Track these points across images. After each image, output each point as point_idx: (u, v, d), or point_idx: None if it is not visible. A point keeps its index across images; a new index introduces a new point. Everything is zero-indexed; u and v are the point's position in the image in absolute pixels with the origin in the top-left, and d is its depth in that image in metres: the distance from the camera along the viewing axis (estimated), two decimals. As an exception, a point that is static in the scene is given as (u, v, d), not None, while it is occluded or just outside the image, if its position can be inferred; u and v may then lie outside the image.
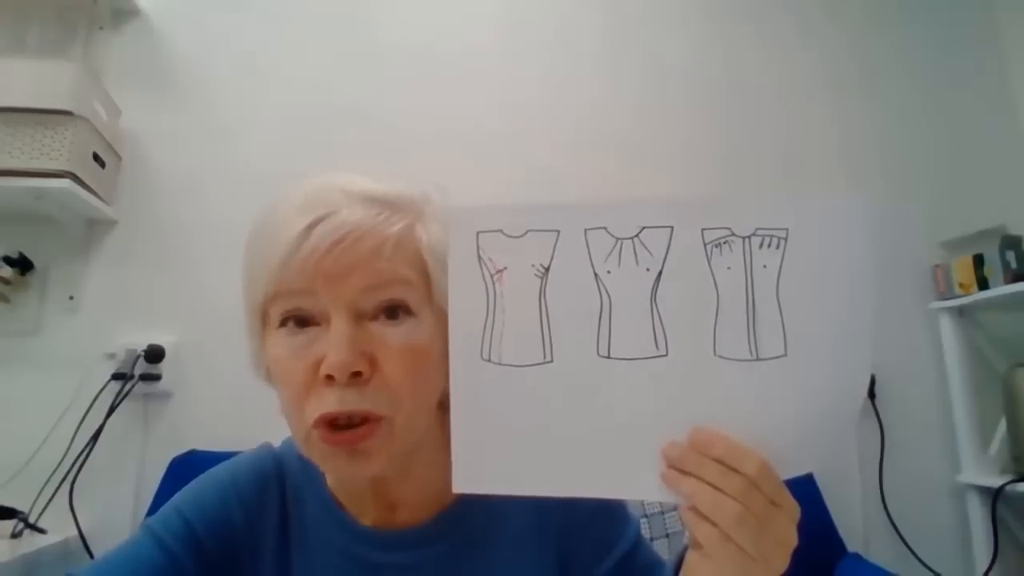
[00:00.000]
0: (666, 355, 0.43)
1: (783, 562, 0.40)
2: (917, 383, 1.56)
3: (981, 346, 1.54)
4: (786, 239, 0.42)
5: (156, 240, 1.56)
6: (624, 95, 1.72)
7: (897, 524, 1.47)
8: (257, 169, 1.56)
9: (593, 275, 0.43)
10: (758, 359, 0.42)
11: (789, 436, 0.41)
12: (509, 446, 0.44)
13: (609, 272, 0.43)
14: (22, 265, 1.47)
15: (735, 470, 0.39)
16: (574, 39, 1.75)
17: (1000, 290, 1.39)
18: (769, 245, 0.42)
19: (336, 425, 0.47)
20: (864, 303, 0.42)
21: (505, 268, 0.44)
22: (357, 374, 0.46)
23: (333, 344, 0.46)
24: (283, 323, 0.49)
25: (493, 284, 0.44)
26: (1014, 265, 1.38)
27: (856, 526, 1.46)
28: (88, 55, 1.61)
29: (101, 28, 1.64)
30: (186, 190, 1.59)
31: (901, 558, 1.45)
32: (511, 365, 0.44)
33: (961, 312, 1.51)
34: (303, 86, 1.66)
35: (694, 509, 0.40)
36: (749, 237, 0.42)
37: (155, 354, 1.45)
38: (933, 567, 1.43)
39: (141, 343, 1.45)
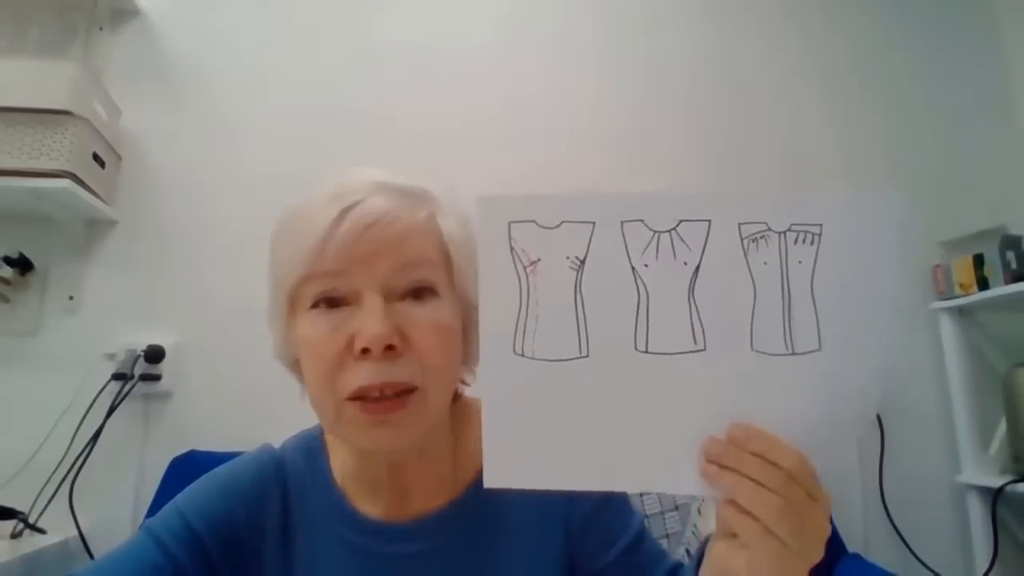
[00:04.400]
0: (704, 350, 0.42)
1: (819, 553, 0.41)
2: (917, 383, 1.56)
3: (981, 346, 1.53)
4: (820, 235, 0.42)
5: (156, 240, 1.55)
6: (624, 95, 1.71)
7: (897, 524, 1.47)
8: (257, 169, 1.57)
9: (630, 268, 0.43)
10: (794, 353, 0.42)
11: (823, 429, 0.41)
12: (543, 441, 0.44)
13: (646, 265, 0.43)
14: (22, 265, 1.47)
15: (775, 464, 0.40)
16: (575, 38, 1.74)
17: (1000, 290, 1.38)
18: (804, 241, 0.42)
19: (370, 398, 0.49)
20: (889, 300, 0.42)
21: (539, 260, 0.43)
22: (391, 347, 0.48)
23: (368, 318, 0.49)
24: (315, 304, 0.51)
25: (526, 276, 0.43)
26: (1014, 265, 1.38)
27: (856, 526, 1.46)
28: (88, 55, 1.61)
29: (101, 28, 1.64)
30: (186, 190, 1.58)
31: (901, 558, 1.45)
32: (545, 360, 0.43)
33: (961, 312, 1.51)
34: (303, 86, 1.66)
35: (733, 503, 0.41)
36: (784, 232, 0.42)
37: (155, 354, 1.45)
38: (933, 567, 1.43)
39: (141, 343, 1.45)
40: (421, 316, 0.51)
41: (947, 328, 1.51)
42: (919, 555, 1.45)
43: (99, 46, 1.63)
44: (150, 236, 1.56)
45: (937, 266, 1.55)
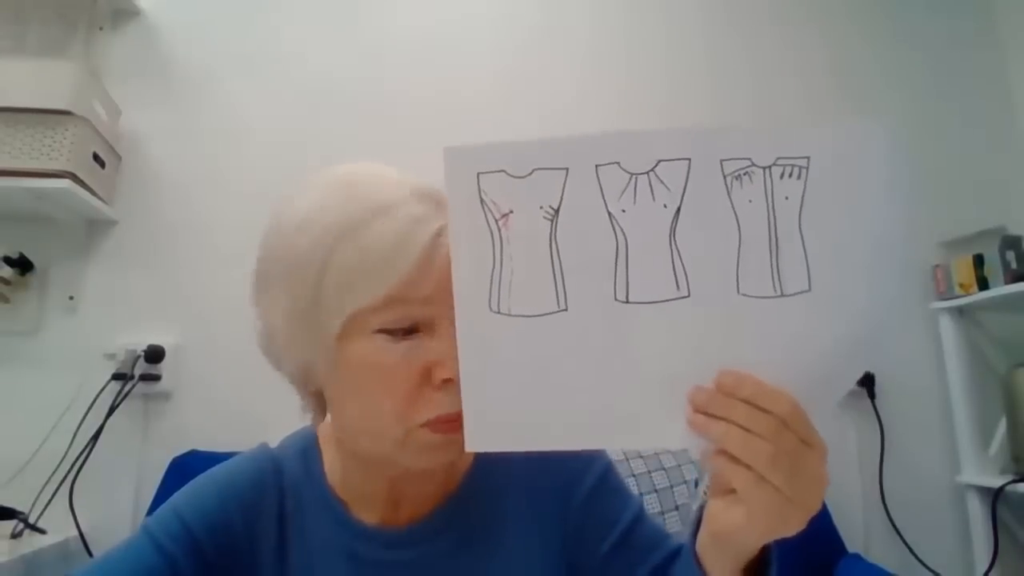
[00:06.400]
0: (688, 296, 0.40)
1: (817, 501, 0.39)
2: (917, 383, 1.56)
3: (981, 346, 1.53)
4: (807, 168, 0.40)
5: (156, 240, 1.55)
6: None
7: (897, 524, 1.47)
8: (257, 168, 1.57)
9: (607, 215, 0.40)
10: (782, 295, 0.40)
11: (815, 373, 0.39)
12: (525, 401, 0.42)
13: (624, 211, 0.40)
14: (22, 265, 1.47)
15: (765, 410, 0.38)
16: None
17: (1000, 290, 1.38)
18: (791, 175, 0.40)
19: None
20: (891, 231, 0.40)
21: (511, 212, 0.41)
22: None
23: (450, 348, 0.46)
24: (382, 329, 0.48)
25: (499, 230, 0.41)
26: (1014, 265, 1.38)
27: (856, 526, 1.46)
28: (88, 55, 1.61)
29: (101, 28, 1.64)
30: (186, 190, 1.58)
31: (901, 558, 1.44)
32: (523, 316, 0.41)
33: (961, 312, 1.51)
34: (303, 86, 1.66)
35: (724, 453, 0.39)
36: (770, 167, 0.40)
37: (155, 354, 1.45)
38: (933, 567, 1.43)
39: (141, 343, 1.45)
40: None
41: (947, 328, 1.51)
42: (919, 555, 1.45)
43: (99, 46, 1.63)
44: (150, 236, 1.56)
45: (937, 266, 1.55)
